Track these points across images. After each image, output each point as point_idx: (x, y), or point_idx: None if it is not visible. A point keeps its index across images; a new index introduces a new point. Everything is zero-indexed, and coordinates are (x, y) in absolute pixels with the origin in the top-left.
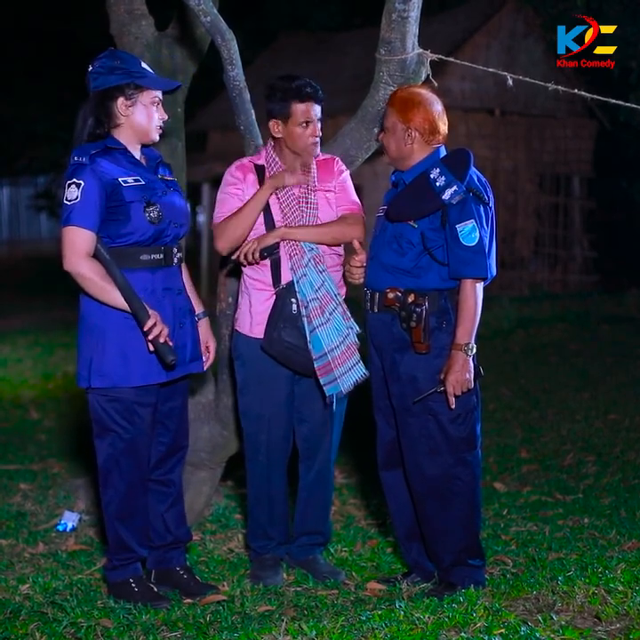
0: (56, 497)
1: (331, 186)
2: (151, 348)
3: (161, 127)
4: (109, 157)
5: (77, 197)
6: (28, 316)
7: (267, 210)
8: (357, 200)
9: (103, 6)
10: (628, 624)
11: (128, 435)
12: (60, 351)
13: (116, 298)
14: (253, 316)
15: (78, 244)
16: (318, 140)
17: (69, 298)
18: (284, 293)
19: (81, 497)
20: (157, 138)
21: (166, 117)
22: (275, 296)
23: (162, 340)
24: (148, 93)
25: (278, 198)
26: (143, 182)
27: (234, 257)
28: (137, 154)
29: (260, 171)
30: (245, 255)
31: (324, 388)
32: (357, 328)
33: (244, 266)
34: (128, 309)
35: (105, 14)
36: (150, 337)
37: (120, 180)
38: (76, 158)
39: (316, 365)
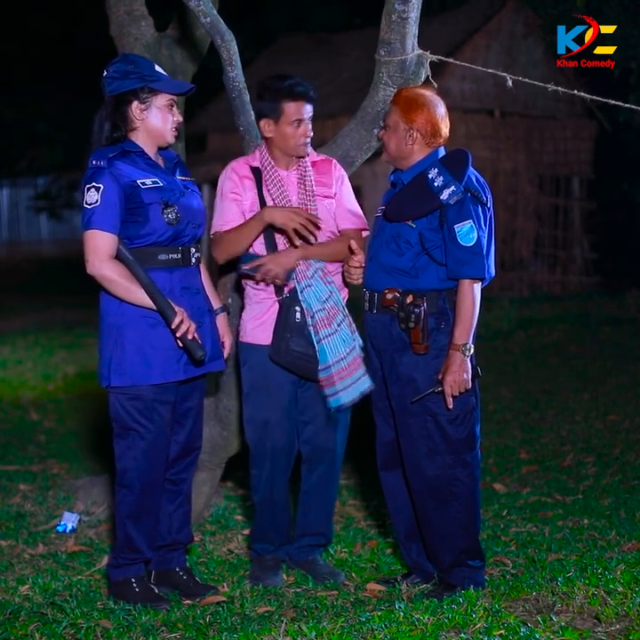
0: (56, 498)
1: (330, 191)
2: (180, 345)
3: (176, 128)
4: (127, 160)
5: (97, 201)
6: (28, 316)
7: None
8: (359, 210)
9: (103, 7)
10: (628, 625)
11: (149, 434)
12: (59, 352)
13: (142, 298)
14: (256, 323)
15: (101, 248)
16: (309, 140)
17: (69, 298)
18: (288, 302)
19: (81, 498)
20: (173, 140)
21: (181, 119)
22: (278, 304)
23: (190, 337)
24: (163, 96)
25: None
26: (161, 184)
27: (257, 278)
28: (153, 156)
29: (256, 172)
30: (270, 279)
31: (327, 400)
32: (361, 341)
33: (257, 283)
34: (154, 308)
35: (105, 15)
36: (178, 334)
37: (138, 181)
38: (94, 162)
39: (319, 377)
